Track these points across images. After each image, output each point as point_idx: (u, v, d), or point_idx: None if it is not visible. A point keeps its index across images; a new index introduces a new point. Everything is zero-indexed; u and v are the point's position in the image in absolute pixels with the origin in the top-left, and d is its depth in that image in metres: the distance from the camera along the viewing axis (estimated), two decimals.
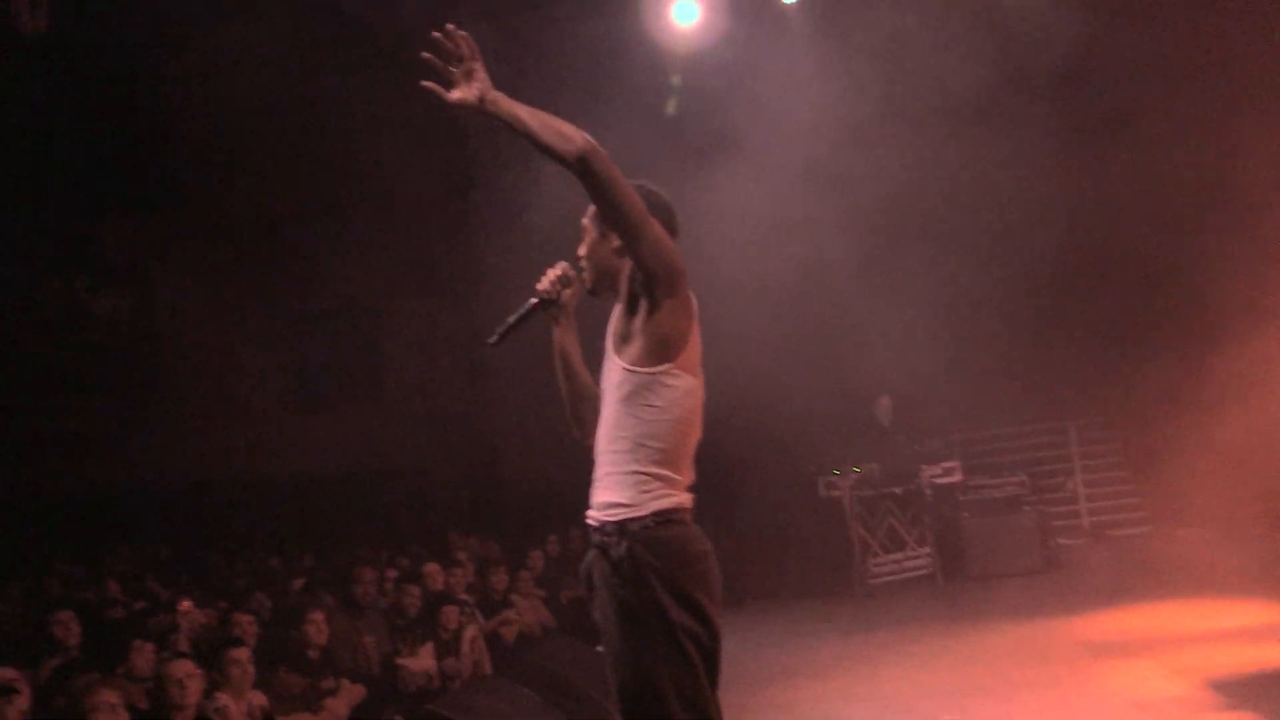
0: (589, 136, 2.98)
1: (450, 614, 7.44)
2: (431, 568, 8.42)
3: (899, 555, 12.16)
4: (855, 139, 11.09)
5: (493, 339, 3.55)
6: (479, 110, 3.02)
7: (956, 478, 11.85)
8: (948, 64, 10.99)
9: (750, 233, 11.05)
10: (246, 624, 6.53)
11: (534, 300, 3.53)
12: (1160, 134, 11.28)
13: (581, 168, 2.99)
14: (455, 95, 3.04)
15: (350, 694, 6.62)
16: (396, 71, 14.41)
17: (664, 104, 12.51)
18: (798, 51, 11.78)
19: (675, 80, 12.36)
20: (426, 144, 14.57)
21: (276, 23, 14.88)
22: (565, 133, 2.98)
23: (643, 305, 3.22)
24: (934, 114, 11.43)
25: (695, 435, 3.32)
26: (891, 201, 11.80)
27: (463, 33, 3.03)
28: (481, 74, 3.02)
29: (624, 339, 3.28)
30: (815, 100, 11.02)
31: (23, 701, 4.67)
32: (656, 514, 3.19)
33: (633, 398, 3.24)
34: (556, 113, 3.04)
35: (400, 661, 7.17)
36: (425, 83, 3.08)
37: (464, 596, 8.16)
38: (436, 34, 3.01)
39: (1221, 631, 7.93)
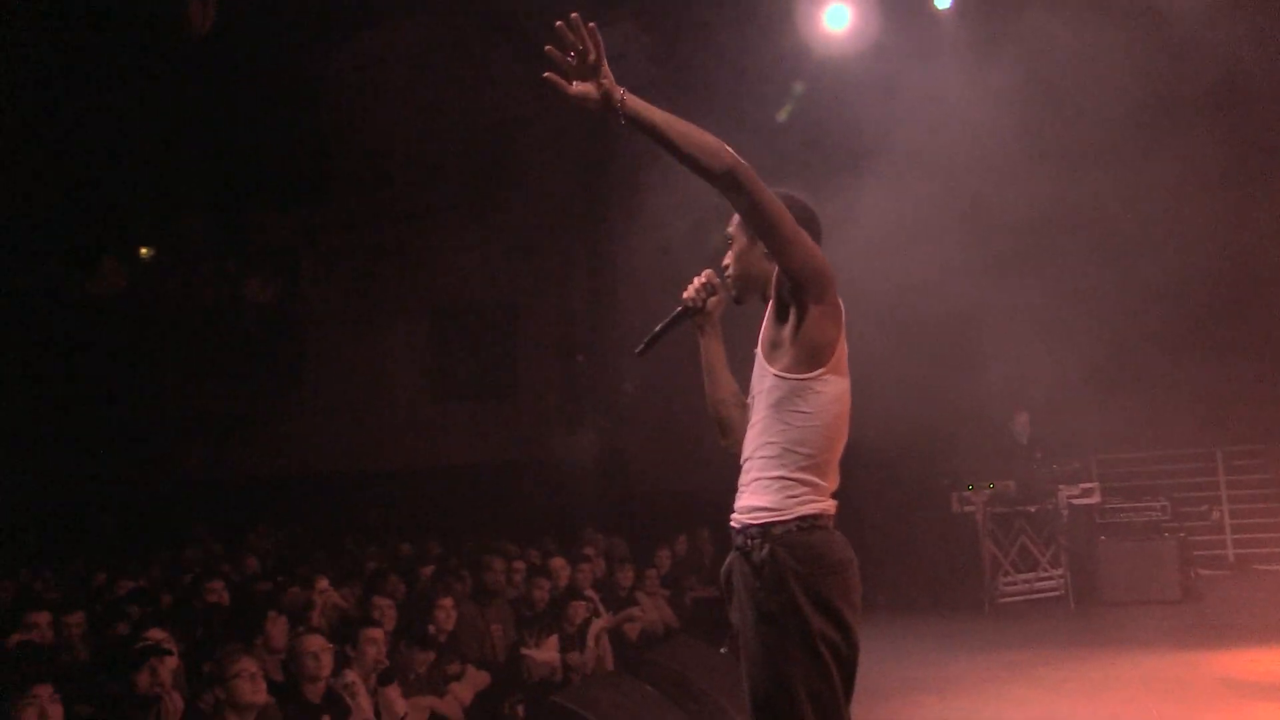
0: (730, 149, 2.93)
1: (577, 608, 7.52)
2: (558, 562, 8.53)
3: (1030, 575, 11.89)
4: (1003, 149, 10.87)
5: (639, 348, 3.57)
6: (605, 108, 2.92)
7: (1095, 499, 11.55)
8: (1104, 78, 10.71)
9: (890, 241, 10.91)
10: (385, 607, 6.69)
11: (679, 308, 3.55)
12: None
13: (728, 183, 2.96)
14: (577, 89, 2.95)
15: (475, 680, 6.74)
16: (543, 70, 14.71)
17: (803, 109, 12.44)
18: (949, 59, 11.61)
19: (799, 88, 12.29)
20: (567, 144, 14.77)
21: (428, 24, 15.29)
22: (708, 145, 2.91)
23: (793, 312, 3.21)
24: (1088, 126, 11.14)
25: (842, 441, 3.32)
26: (1041, 214, 11.53)
27: (590, 25, 2.91)
28: (607, 71, 2.92)
29: (775, 345, 3.28)
30: (965, 108, 10.84)
31: (173, 661, 4.88)
32: (801, 519, 3.19)
33: (783, 404, 3.24)
34: (700, 120, 2.97)
35: (525, 652, 7.27)
36: (547, 74, 2.96)
37: (590, 592, 8.24)
38: (560, 23, 2.89)
39: None
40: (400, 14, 15.35)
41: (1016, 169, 11.12)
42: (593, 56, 2.91)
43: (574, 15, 2.90)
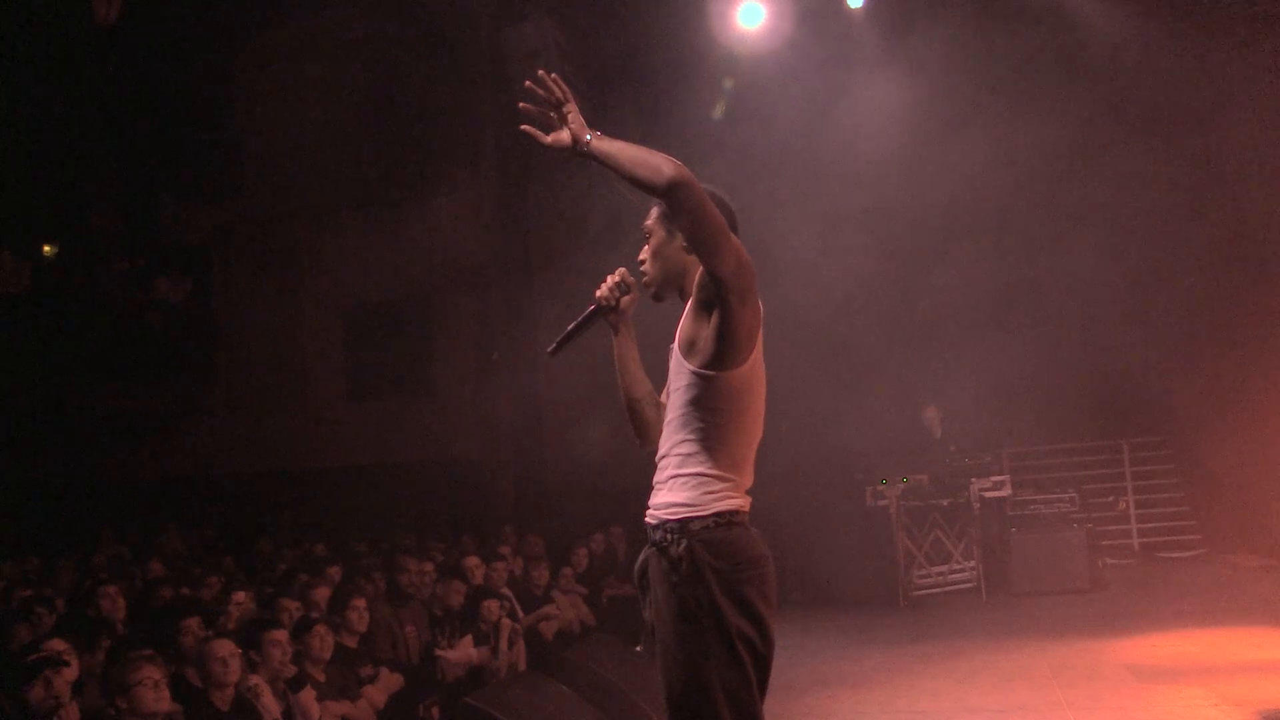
0: (679, 165, 2.98)
1: (491, 608, 7.46)
2: (472, 561, 8.46)
3: (944, 568, 12.07)
4: (913, 149, 11.04)
5: (551, 348, 3.56)
6: (575, 152, 3.11)
7: (1006, 492, 11.74)
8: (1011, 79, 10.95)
9: (802, 238, 11.02)
10: (292, 609, 6.59)
11: (592, 307, 3.53)
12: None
13: (670, 197, 3.01)
14: (550, 139, 3.16)
15: (389, 682, 6.66)
16: (460, 63, 14.67)
17: (715, 107, 12.51)
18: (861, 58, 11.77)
19: (729, 83, 12.36)
20: (483, 140, 14.68)
21: (341, 18, 15.11)
22: (654, 164, 2.99)
23: (716, 311, 3.20)
24: (996, 126, 11.35)
25: (757, 438, 3.34)
26: (950, 212, 11.73)
27: (553, 75, 3.11)
28: (576, 115, 3.10)
29: (693, 342, 3.27)
30: (875, 107, 10.99)
31: (71, 673, 4.74)
32: (718, 515, 3.19)
33: (700, 400, 3.24)
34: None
35: (439, 653, 7.20)
36: (524, 127, 3.18)
37: (505, 591, 8.18)
38: (529, 82, 3.10)
39: (1276, 662, 7.77)
40: (313, 8, 15.15)
41: (926, 168, 11.31)
42: (562, 106, 3.11)
43: (540, 71, 3.12)
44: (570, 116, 3.10)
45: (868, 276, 11.72)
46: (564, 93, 3.12)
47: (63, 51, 13.33)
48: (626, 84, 12.36)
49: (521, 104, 3.14)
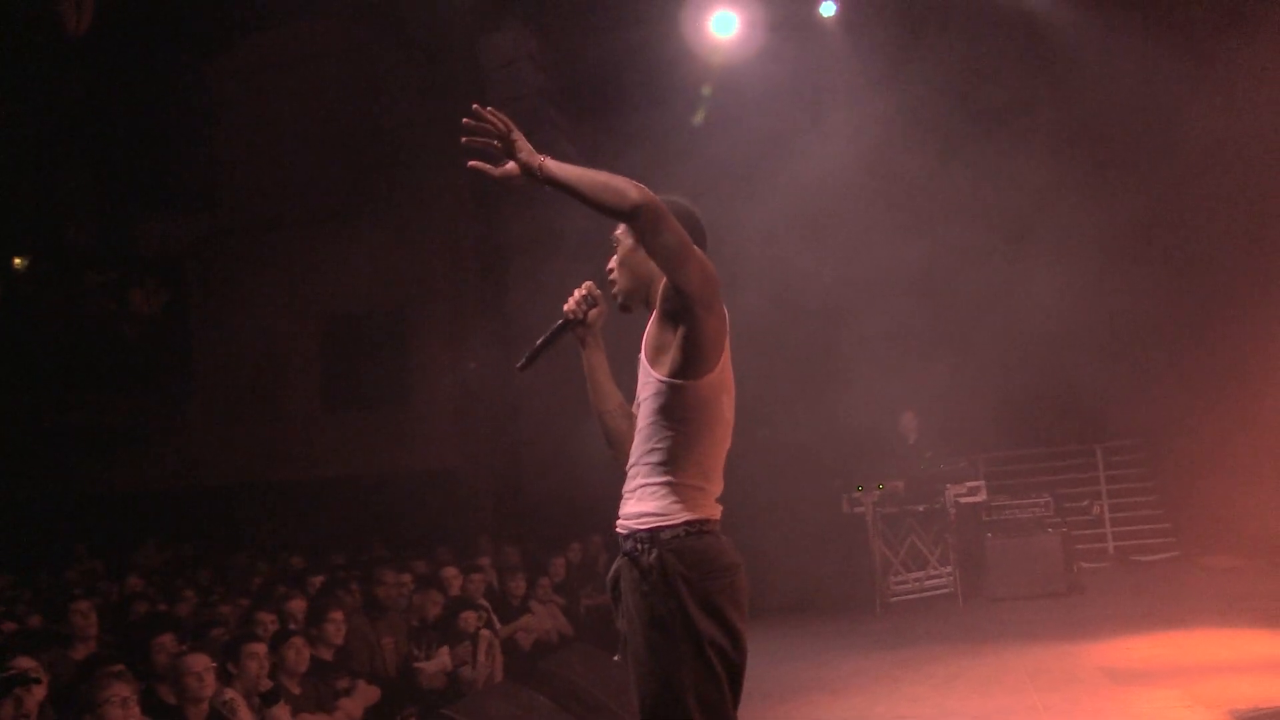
0: (642, 188, 2.99)
1: (469, 619, 7.45)
2: (449, 572, 8.44)
3: (920, 574, 12.11)
4: (885, 153, 11.09)
5: (521, 363, 3.56)
6: (529, 180, 3.08)
7: (981, 497, 11.78)
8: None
9: (773, 242, 11.06)
10: (268, 622, 6.56)
11: (560, 321, 3.54)
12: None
13: (634, 222, 3.03)
14: (500, 171, 3.16)
15: (365, 695, 6.63)
16: (437, 73, 14.65)
17: (695, 114, 12.54)
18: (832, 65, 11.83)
19: (707, 90, 12.39)
20: (457, 150, 14.64)
21: (315, 29, 15.07)
22: (617, 187, 2.99)
23: (681, 321, 3.22)
24: (965, 129, 11.44)
25: (726, 445, 3.35)
26: (922, 216, 11.79)
27: (490, 109, 3.06)
28: (523, 144, 3.05)
29: (660, 351, 3.28)
30: (845, 113, 11.06)
31: (40, 691, 4.70)
32: (689, 524, 3.20)
33: (668, 409, 3.25)
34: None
35: (416, 664, 7.18)
36: (472, 163, 3.16)
37: (483, 602, 8.16)
38: (467, 120, 3.05)
39: (1247, 662, 7.81)
40: (288, 18, 15.10)
41: (899, 173, 11.37)
42: (508, 136, 3.05)
43: (475, 106, 3.05)
44: (517, 145, 3.05)
45: (842, 282, 11.75)
46: (505, 124, 3.05)
47: (32, 61, 13.24)
48: (601, 93, 12.38)
49: (464, 138, 3.09)
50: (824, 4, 12.20)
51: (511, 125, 3.07)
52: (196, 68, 15.57)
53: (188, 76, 15.42)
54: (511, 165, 3.12)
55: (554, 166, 3.05)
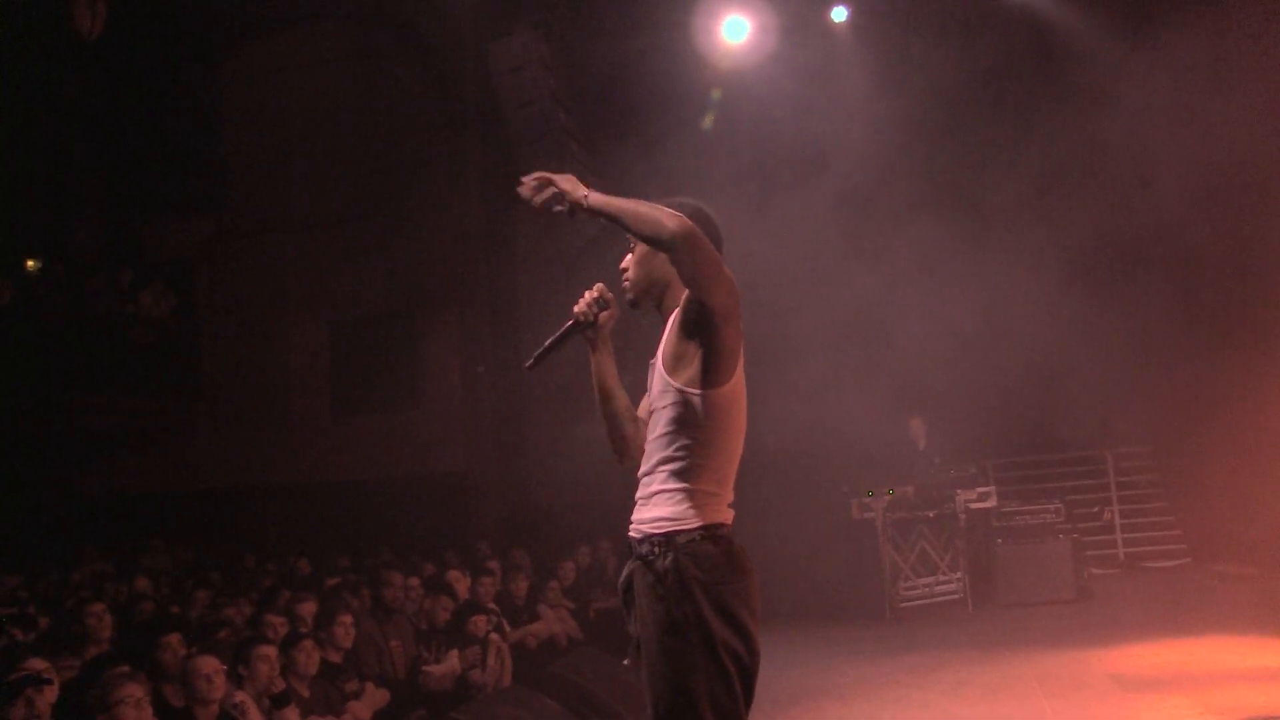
0: (679, 216, 3.08)
1: (478, 623, 7.44)
2: (456, 575, 8.43)
3: (930, 579, 12.06)
4: (898, 155, 11.07)
5: (529, 363, 3.56)
6: (575, 213, 3.24)
7: (991, 503, 11.76)
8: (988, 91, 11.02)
9: (784, 248, 11.04)
10: (278, 625, 6.56)
11: (570, 323, 3.52)
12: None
13: (673, 252, 3.11)
14: (540, 198, 3.32)
15: (374, 698, 6.63)
16: (446, 78, 14.68)
17: (704, 118, 12.53)
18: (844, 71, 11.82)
19: (717, 94, 12.39)
20: (467, 154, 14.67)
21: (327, 32, 15.10)
22: (655, 218, 3.09)
23: (701, 331, 3.24)
24: (977, 130, 11.43)
25: (740, 452, 3.36)
26: (933, 218, 11.76)
27: (523, 180, 3.31)
28: (565, 184, 3.24)
29: (678, 359, 3.29)
30: (860, 114, 11.05)
31: (52, 693, 4.70)
32: (704, 528, 3.21)
33: (686, 417, 3.26)
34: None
35: (425, 668, 7.17)
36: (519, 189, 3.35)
37: (491, 605, 8.16)
38: (519, 189, 3.32)
39: (1258, 671, 7.79)
40: (296, 23, 15.14)
41: (910, 175, 11.34)
42: (553, 184, 3.27)
43: (517, 187, 3.34)
44: (562, 188, 3.24)
45: (853, 286, 11.73)
46: (542, 179, 3.27)
47: (45, 65, 13.28)
48: (611, 97, 12.38)
49: (518, 189, 3.32)
50: (836, 9, 12.20)
51: (549, 176, 3.28)
52: (206, 72, 15.61)
53: (197, 80, 15.46)
54: (562, 207, 3.27)
55: (598, 200, 3.21)
